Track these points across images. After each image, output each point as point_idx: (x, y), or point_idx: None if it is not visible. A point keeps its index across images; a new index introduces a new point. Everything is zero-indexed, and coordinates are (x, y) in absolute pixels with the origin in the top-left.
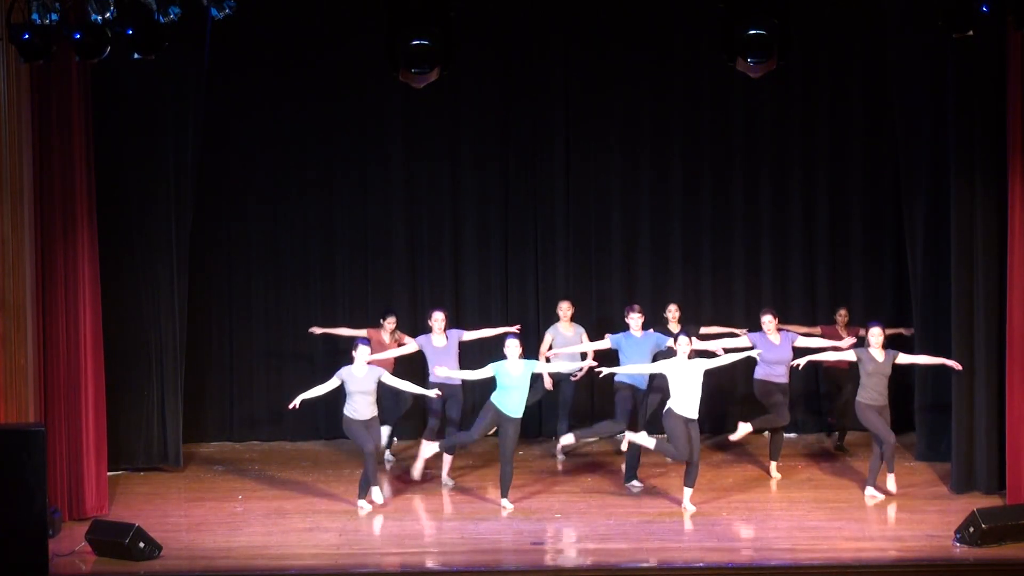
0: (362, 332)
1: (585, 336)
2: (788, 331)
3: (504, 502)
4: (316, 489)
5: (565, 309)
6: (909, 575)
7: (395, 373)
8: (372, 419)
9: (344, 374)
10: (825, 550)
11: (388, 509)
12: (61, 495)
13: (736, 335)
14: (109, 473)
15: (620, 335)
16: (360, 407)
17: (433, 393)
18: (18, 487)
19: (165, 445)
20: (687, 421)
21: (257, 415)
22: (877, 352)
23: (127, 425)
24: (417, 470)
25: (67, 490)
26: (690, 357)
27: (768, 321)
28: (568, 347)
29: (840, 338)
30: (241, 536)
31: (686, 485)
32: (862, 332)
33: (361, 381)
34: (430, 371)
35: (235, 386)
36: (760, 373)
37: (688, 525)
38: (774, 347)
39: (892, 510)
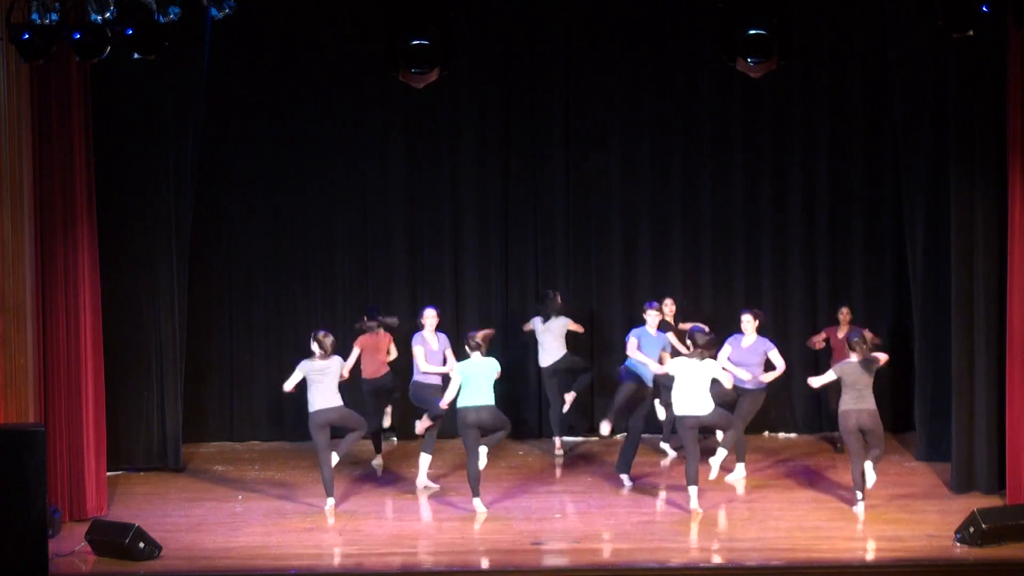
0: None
1: (570, 323)
2: (766, 339)
3: (476, 502)
4: (316, 489)
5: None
6: (909, 575)
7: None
8: (342, 406)
9: (306, 367)
10: (825, 550)
11: (388, 509)
12: (61, 495)
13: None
14: (109, 473)
15: (639, 329)
16: (328, 395)
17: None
18: (18, 487)
19: (165, 445)
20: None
21: (257, 415)
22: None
23: (127, 425)
24: (421, 481)
25: (67, 490)
26: (702, 358)
27: (746, 321)
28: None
29: (837, 338)
30: (241, 536)
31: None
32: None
33: (326, 367)
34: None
35: (235, 386)
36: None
37: (688, 525)
38: (740, 350)
39: (892, 510)
